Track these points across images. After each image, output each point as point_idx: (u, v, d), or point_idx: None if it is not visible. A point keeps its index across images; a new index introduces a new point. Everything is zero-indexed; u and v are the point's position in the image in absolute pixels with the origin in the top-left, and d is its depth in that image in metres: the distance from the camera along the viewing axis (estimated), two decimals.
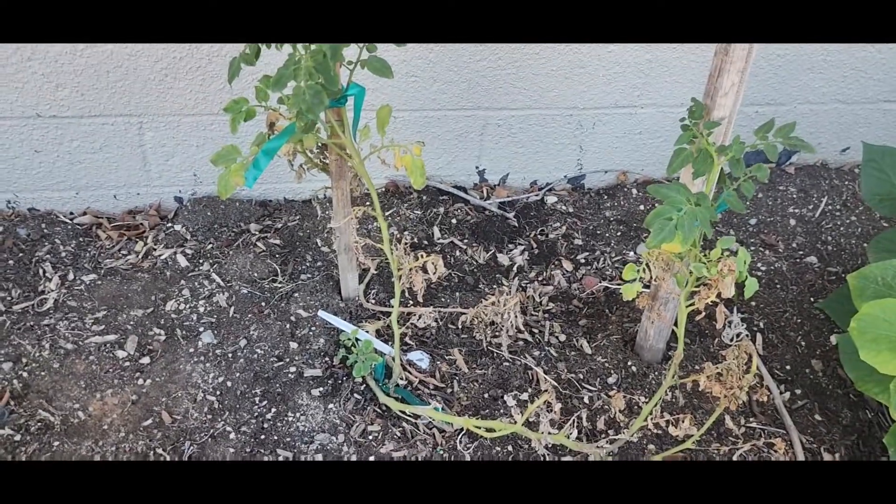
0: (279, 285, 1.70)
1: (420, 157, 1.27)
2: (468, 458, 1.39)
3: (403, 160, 1.27)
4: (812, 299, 1.77)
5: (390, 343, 1.56)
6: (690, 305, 1.33)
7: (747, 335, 1.66)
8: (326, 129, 1.34)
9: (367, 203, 1.85)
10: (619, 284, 1.76)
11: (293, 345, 1.57)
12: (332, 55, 1.10)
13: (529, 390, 1.53)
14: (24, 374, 1.47)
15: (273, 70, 1.51)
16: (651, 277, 1.40)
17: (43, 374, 1.47)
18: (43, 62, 1.61)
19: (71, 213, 1.86)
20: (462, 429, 1.43)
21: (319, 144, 1.41)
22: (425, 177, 1.26)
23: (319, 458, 1.38)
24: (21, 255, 1.72)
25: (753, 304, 1.75)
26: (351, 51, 1.15)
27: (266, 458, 1.37)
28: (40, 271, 1.69)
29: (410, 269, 1.39)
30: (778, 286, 1.80)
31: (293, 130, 1.28)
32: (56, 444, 1.36)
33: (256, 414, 1.44)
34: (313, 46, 1.14)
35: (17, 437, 1.36)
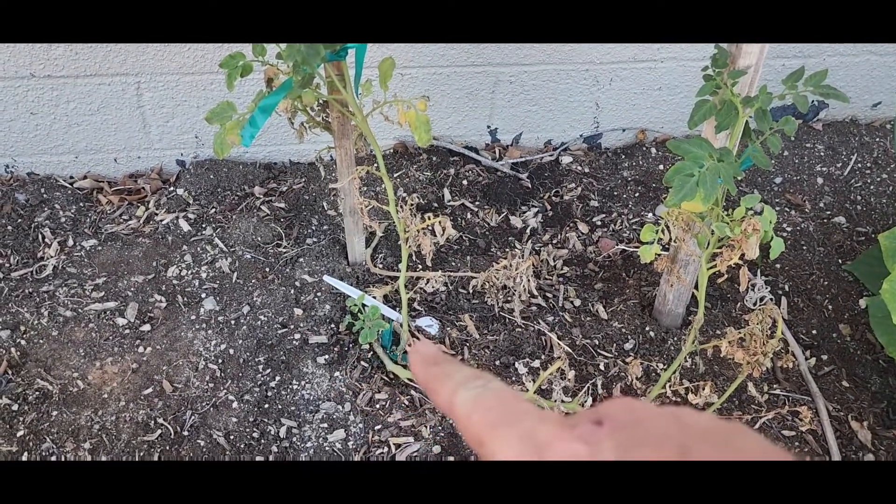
0: (284, 250, 1.65)
1: (425, 112, 1.20)
2: None
3: (407, 116, 1.20)
4: (840, 261, 1.69)
5: (398, 309, 1.51)
6: (712, 268, 1.26)
7: (771, 299, 1.59)
8: (326, 85, 1.27)
9: (373, 163, 1.79)
10: (636, 247, 1.69)
11: (298, 311, 1.52)
12: None
13: (542, 357, 1.47)
14: (23, 343, 1.43)
15: None
16: (670, 238, 1.33)
17: (41, 342, 1.44)
18: None
19: (71, 178, 1.81)
20: None
21: (320, 101, 1.34)
22: (431, 134, 1.19)
23: (325, 427, 1.33)
24: (20, 220, 1.68)
25: (778, 266, 1.67)
26: None
27: (270, 428, 1.33)
28: (39, 237, 1.64)
29: (418, 232, 1.33)
30: (804, 247, 1.72)
31: (290, 86, 1.21)
32: (55, 413, 1.32)
33: (260, 382, 1.40)
34: None
35: (15, 407, 1.33)
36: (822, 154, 1.97)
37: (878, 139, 2.01)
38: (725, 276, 1.27)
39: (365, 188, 1.78)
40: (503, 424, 0.29)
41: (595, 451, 0.26)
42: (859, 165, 1.94)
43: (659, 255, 1.40)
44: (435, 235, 1.34)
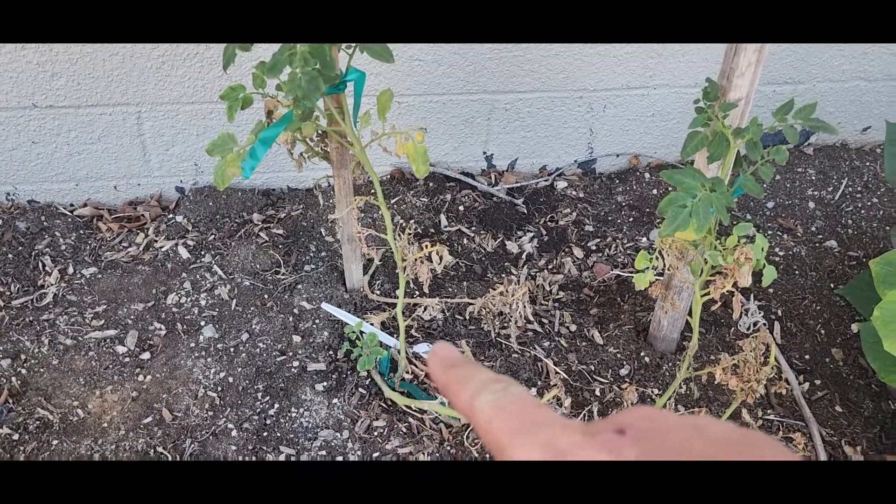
0: (282, 277, 1.66)
1: (422, 143, 1.22)
2: (475, 455, 1.35)
3: (405, 148, 1.22)
4: (832, 285, 1.71)
5: (395, 335, 1.52)
6: (705, 295, 1.28)
7: (765, 324, 1.61)
8: (325, 117, 1.30)
9: (371, 192, 1.81)
10: (631, 272, 1.71)
11: (296, 338, 1.53)
12: None
13: (539, 383, 1.48)
14: (23, 371, 1.44)
15: (270, 55, 1.46)
16: (664, 266, 1.35)
17: (42, 370, 1.44)
18: (37, 51, 1.57)
19: (71, 205, 1.83)
20: (469, 424, 1.38)
21: (319, 132, 1.36)
22: (428, 165, 1.21)
23: (323, 454, 1.34)
24: (20, 248, 1.69)
25: (771, 291, 1.69)
26: None
27: (269, 456, 1.34)
28: (40, 265, 1.66)
29: (415, 260, 1.34)
30: (796, 272, 1.74)
31: (291, 118, 1.23)
32: (55, 442, 1.33)
33: (259, 410, 1.41)
34: None
35: (16, 437, 1.34)
36: (813, 178, 2.00)
37: (868, 163, 2.04)
38: (719, 303, 1.29)
39: (363, 214, 1.80)
40: (524, 432, 0.29)
41: (618, 459, 0.27)
42: (850, 189, 1.97)
43: (653, 282, 1.42)
44: (432, 262, 1.36)
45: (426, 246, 1.34)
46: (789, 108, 1.17)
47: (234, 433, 1.37)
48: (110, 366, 1.46)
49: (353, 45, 1.17)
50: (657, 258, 1.35)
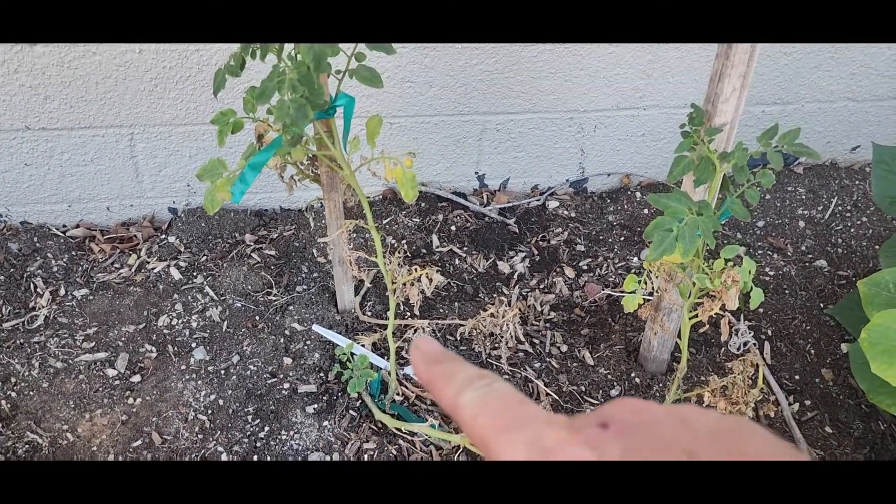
0: (274, 298, 1.67)
1: (411, 168, 1.23)
2: None
3: (394, 172, 1.23)
4: (822, 305, 1.72)
5: (386, 357, 1.52)
6: (694, 317, 1.28)
7: (755, 344, 1.62)
8: (315, 141, 1.30)
9: (363, 214, 1.82)
10: (622, 292, 1.72)
11: (287, 360, 1.53)
12: (315, 67, 1.06)
13: None
14: (13, 395, 1.44)
15: (260, 81, 1.47)
16: (653, 288, 1.36)
17: (32, 394, 1.44)
18: (30, 74, 1.58)
19: (64, 226, 1.83)
20: (459, 446, 1.39)
21: (309, 156, 1.37)
22: (417, 190, 1.22)
23: None
24: (12, 270, 1.69)
25: (761, 310, 1.70)
26: (340, 60, 1.11)
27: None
28: (31, 287, 1.66)
29: (405, 283, 1.35)
30: (787, 291, 1.75)
31: (280, 143, 1.24)
32: None
33: (249, 433, 1.40)
34: (299, 57, 1.10)
35: (5, 461, 1.33)
36: (803, 197, 2.01)
37: (857, 182, 2.05)
38: (708, 325, 1.30)
39: (354, 234, 1.81)
40: (510, 429, 0.29)
41: (602, 455, 0.26)
42: (839, 208, 1.98)
43: (642, 303, 1.43)
44: (422, 284, 1.36)
45: (416, 269, 1.35)
46: (774, 133, 1.18)
47: (224, 456, 1.37)
48: (100, 389, 1.46)
49: (343, 70, 1.18)
50: (646, 280, 1.36)
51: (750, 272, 1.24)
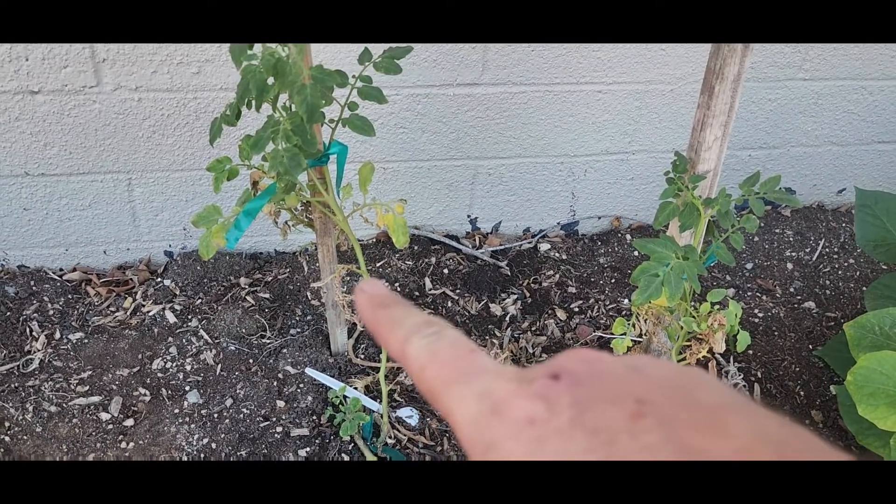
0: (267, 341, 1.68)
1: (402, 215, 1.26)
2: None
3: (385, 219, 1.25)
4: (811, 347, 1.73)
5: (379, 400, 1.53)
6: (682, 360, 1.30)
7: (744, 385, 1.63)
8: (308, 188, 1.33)
9: (356, 258, 1.84)
10: (613, 335, 1.73)
11: (280, 403, 1.54)
12: (308, 117, 1.09)
13: None
14: (7, 440, 1.44)
15: (255, 128, 1.50)
16: (642, 331, 1.38)
17: (25, 438, 1.45)
18: (31, 121, 1.61)
19: (60, 270, 1.85)
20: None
21: (303, 202, 1.40)
22: (408, 236, 1.25)
23: None
24: (9, 313, 1.71)
25: (751, 352, 1.71)
26: (333, 108, 1.14)
27: None
28: (27, 330, 1.67)
29: None
30: (776, 333, 1.77)
31: (274, 191, 1.27)
32: None
33: None
34: (293, 107, 1.13)
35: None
36: (791, 239, 2.04)
37: (844, 224, 2.09)
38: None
39: (348, 278, 1.83)
40: (459, 381, 0.28)
41: (552, 407, 0.25)
42: (827, 250, 2.01)
43: (631, 346, 1.45)
44: None
45: None
46: (755, 181, 1.21)
47: None
48: (93, 433, 1.46)
49: (336, 120, 1.21)
50: (635, 323, 1.38)
51: (736, 315, 1.26)
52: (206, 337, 1.67)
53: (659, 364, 0.28)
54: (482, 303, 1.83)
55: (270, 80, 1.11)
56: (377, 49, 1.18)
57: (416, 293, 1.83)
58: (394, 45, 1.24)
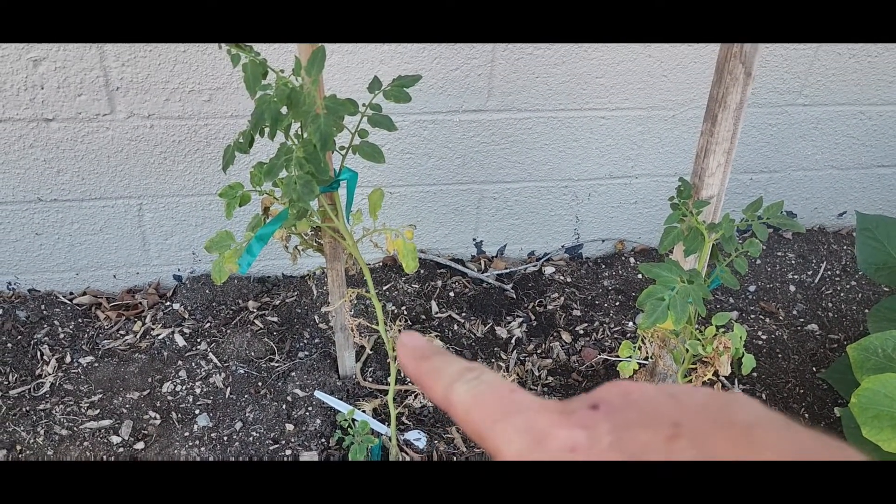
0: (276, 364, 1.70)
1: (412, 240, 1.28)
2: None
3: (395, 244, 1.28)
4: (814, 369, 1.75)
5: (387, 423, 1.54)
6: (688, 382, 1.31)
7: None
8: (319, 214, 1.36)
9: (364, 281, 1.86)
10: (618, 357, 1.75)
11: (289, 426, 1.55)
12: (322, 146, 1.12)
13: None
14: None
15: (266, 154, 1.53)
16: (648, 354, 1.39)
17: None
18: (45, 148, 1.64)
19: (70, 294, 1.87)
20: None
21: (313, 227, 1.42)
22: (417, 261, 1.27)
23: None
24: (20, 337, 1.72)
25: (755, 375, 1.73)
26: (343, 135, 1.17)
27: None
28: (38, 354, 1.69)
29: None
30: (779, 356, 1.78)
31: (286, 216, 1.29)
32: None
33: None
34: (305, 135, 1.16)
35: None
36: (793, 262, 2.06)
37: (845, 247, 2.11)
38: None
39: (355, 301, 1.85)
40: (502, 420, 0.29)
41: (592, 434, 0.26)
42: (829, 273, 2.03)
43: (637, 369, 1.46)
44: None
45: None
46: (758, 206, 1.24)
47: None
48: (104, 457, 1.47)
49: (347, 147, 1.24)
50: (640, 346, 1.39)
51: (741, 338, 1.28)
52: (215, 360, 1.69)
53: (695, 390, 0.28)
54: (488, 326, 1.84)
55: (284, 110, 1.14)
56: (386, 77, 1.21)
57: (423, 316, 1.85)
58: (403, 74, 1.26)
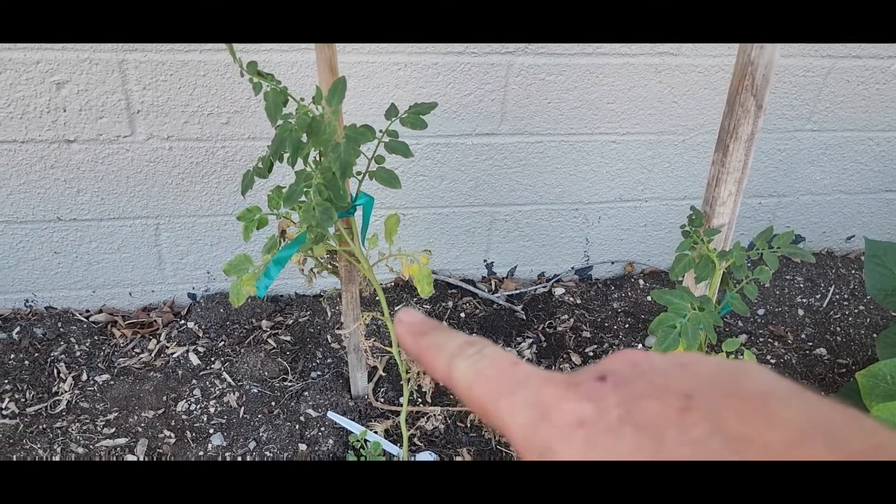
0: (289, 384, 1.71)
1: (427, 265, 1.30)
2: None
3: (410, 269, 1.30)
4: (823, 393, 1.76)
5: (399, 444, 1.56)
6: None
7: None
8: (335, 238, 1.38)
9: (377, 301, 1.88)
10: None
11: (302, 446, 1.57)
12: (341, 174, 1.14)
13: None
14: None
15: (282, 176, 1.55)
16: None
17: None
18: (65, 169, 1.67)
19: (87, 311, 1.89)
20: None
21: (329, 250, 1.44)
22: (432, 286, 1.29)
23: None
24: (37, 354, 1.75)
25: None
26: (360, 160, 1.19)
27: None
28: (55, 371, 1.71)
29: (418, 373, 1.40)
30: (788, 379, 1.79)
31: (304, 240, 1.31)
32: None
33: None
34: (324, 162, 1.18)
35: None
36: (801, 286, 2.07)
37: (853, 271, 2.12)
38: None
39: (369, 321, 1.87)
40: (506, 394, 0.28)
41: (600, 406, 0.26)
42: (837, 297, 2.04)
43: None
44: None
45: None
46: (769, 235, 1.25)
47: None
48: None
49: (363, 172, 1.26)
50: None
51: None
52: (229, 379, 1.71)
53: (706, 359, 0.27)
54: (498, 347, 1.85)
55: (304, 138, 1.16)
56: (401, 101, 1.23)
57: None
58: (418, 100, 1.29)
